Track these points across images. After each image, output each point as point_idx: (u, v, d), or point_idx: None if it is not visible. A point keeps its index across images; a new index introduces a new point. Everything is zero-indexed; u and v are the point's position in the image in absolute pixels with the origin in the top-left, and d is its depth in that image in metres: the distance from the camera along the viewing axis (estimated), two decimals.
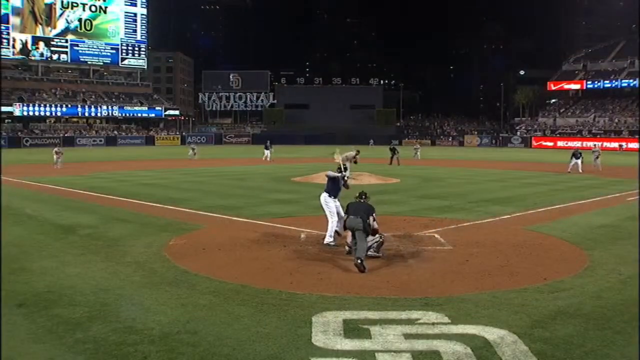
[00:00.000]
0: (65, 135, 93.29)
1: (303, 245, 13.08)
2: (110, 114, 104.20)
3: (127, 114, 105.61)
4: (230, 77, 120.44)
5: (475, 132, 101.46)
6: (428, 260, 11.79)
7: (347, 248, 12.04)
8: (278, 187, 25.55)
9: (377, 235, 11.75)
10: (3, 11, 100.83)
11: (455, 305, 8.92)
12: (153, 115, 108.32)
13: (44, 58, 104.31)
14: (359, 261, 10.98)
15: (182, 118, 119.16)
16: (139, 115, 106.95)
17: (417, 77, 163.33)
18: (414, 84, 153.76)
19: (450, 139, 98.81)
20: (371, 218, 11.52)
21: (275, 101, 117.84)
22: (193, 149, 49.59)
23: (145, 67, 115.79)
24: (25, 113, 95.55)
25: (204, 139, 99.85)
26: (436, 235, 14.21)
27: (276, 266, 11.39)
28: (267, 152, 44.14)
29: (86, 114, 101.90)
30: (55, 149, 40.10)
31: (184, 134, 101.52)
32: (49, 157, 44.19)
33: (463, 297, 9.36)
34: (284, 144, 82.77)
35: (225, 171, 36.46)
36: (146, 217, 17.20)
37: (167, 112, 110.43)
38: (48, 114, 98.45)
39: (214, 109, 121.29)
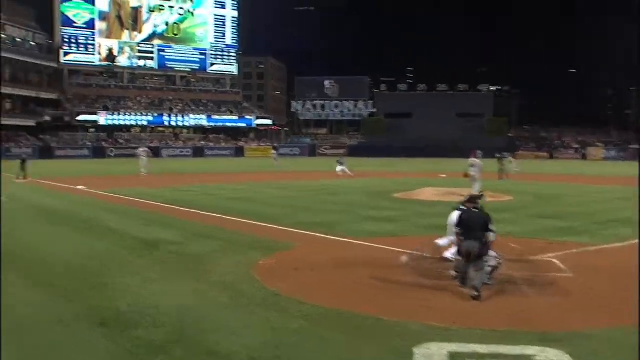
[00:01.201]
0: (151, 145, 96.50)
1: (405, 268, 12.80)
2: (197, 123, 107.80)
3: (216, 124, 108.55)
4: (326, 83, 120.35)
5: (600, 144, 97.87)
6: (545, 289, 11.34)
7: (453, 273, 11.58)
8: (376, 204, 25.24)
9: (492, 257, 11.14)
10: (89, 16, 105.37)
11: (578, 342, 8.48)
12: (243, 124, 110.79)
13: (129, 65, 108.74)
14: (475, 293, 10.63)
15: (274, 128, 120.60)
16: (228, 124, 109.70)
17: (532, 82, 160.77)
18: (528, 89, 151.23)
19: (570, 151, 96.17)
20: (491, 235, 10.92)
21: (374, 110, 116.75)
22: (275, 157, 52.61)
23: (236, 73, 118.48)
24: (110, 122, 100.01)
25: (296, 151, 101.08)
26: (555, 261, 13.71)
27: (374, 290, 11.21)
28: (340, 167, 44.37)
29: (172, 123, 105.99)
30: (141, 149, 42.26)
31: (275, 144, 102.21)
32: (133, 168, 45.63)
33: (587, 333, 8.88)
34: (382, 156, 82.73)
35: (317, 185, 36.66)
36: (234, 234, 17.38)
37: (258, 122, 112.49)
38: (133, 123, 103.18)
39: (307, 118, 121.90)
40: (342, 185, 36.48)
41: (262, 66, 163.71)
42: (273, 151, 53.12)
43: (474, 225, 10.87)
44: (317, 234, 17.29)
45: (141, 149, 40.91)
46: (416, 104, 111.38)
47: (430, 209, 22.63)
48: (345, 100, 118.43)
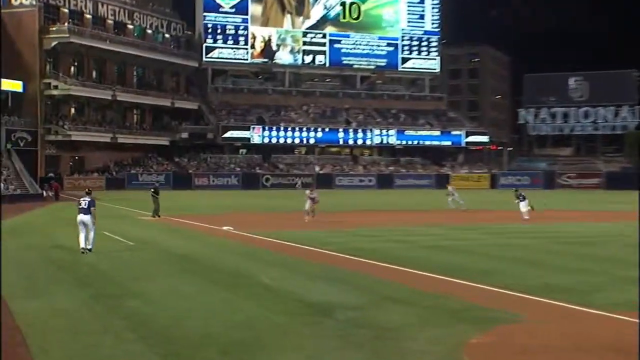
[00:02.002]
0: (321, 172, 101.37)
1: None
2: (384, 141, 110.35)
3: (410, 141, 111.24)
4: (570, 82, 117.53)
5: None
6: None
7: None
8: None
9: None
10: None
11: None
12: (448, 142, 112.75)
13: (292, 62, 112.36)
14: None
15: (493, 147, 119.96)
16: (427, 142, 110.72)
17: None
18: None
19: None
20: None
21: None
22: (452, 195, 52.59)
23: (438, 70, 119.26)
24: (266, 140, 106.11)
25: (525, 180, 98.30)
26: None
27: None
28: (522, 204, 44.01)
29: (350, 142, 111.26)
30: (308, 191, 43.64)
31: (494, 171, 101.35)
32: (297, 204, 47.80)
33: None
34: None
35: (549, 230, 36.64)
36: (433, 298, 17.55)
37: (469, 139, 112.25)
38: (297, 140, 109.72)
39: (542, 133, 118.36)
40: (601, 232, 35.95)
41: (476, 60, 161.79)
42: (450, 187, 53.10)
43: None
44: (554, 302, 16.91)
45: (308, 192, 42.31)
46: None
47: None
48: (601, 105, 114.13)
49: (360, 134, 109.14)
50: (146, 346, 12.60)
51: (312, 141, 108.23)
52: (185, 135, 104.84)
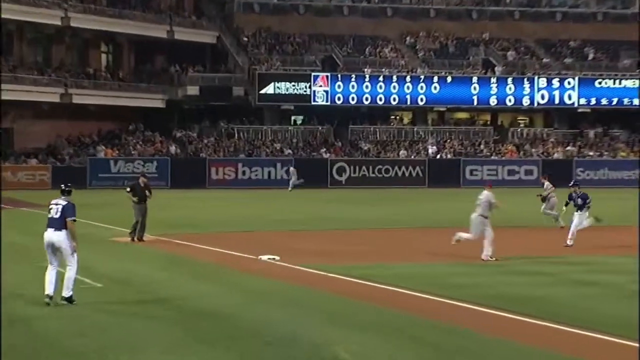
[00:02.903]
0: (438, 156, 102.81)
1: None
2: (557, 101, 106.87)
3: (605, 100, 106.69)
4: None
5: None
6: None
7: None
8: None
9: None
10: None
11: None
12: None
13: None
14: None
15: None
16: (638, 103, 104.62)
17: None
18: None
19: None
20: None
21: None
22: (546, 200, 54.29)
23: None
24: (339, 99, 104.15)
25: None
26: None
27: None
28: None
29: (492, 102, 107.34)
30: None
31: None
32: (410, 210, 57.26)
33: None
34: None
35: None
36: None
37: None
38: (395, 100, 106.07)
39: None
40: None
41: None
42: (546, 183, 55.10)
43: None
44: None
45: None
46: None
47: None
48: None
49: (510, 88, 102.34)
50: None
51: (422, 101, 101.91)
52: (194, 91, 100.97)
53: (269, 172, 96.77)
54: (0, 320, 13.20)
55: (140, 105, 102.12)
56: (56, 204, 23.90)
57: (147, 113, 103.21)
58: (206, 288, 28.97)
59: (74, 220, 23.96)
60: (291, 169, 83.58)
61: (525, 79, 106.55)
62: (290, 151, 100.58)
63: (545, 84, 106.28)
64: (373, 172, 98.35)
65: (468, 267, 34.91)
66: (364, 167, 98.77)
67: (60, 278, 24.27)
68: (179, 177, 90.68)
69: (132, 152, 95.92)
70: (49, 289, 23.80)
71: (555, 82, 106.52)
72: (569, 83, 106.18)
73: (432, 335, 21.67)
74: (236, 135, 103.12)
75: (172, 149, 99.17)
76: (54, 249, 23.67)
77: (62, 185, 25.61)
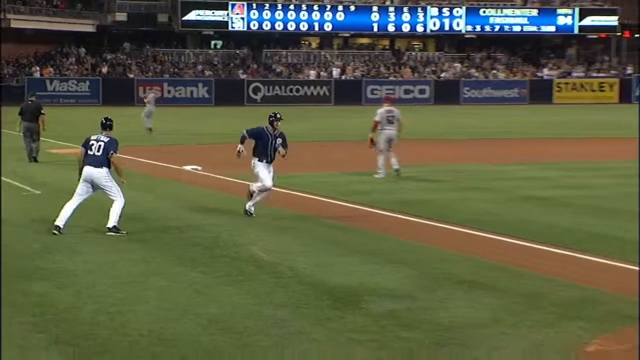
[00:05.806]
0: (343, 77, 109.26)
1: None
2: (446, 27, 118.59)
3: (488, 27, 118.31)
4: None
5: None
6: None
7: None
8: None
9: None
10: None
11: None
12: (551, 28, 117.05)
13: None
14: None
15: (626, 35, 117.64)
16: (518, 29, 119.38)
17: None
18: None
19: None
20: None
21: None
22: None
23: None
24: (254, 25, 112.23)
25: None
26: None
27: None
28: None
29: (390, 28, 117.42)
30: None
31: (629, 73, 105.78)
32: (312, 125, 55.69)
33: None
34: None
35: None
36: (529, 281, 17.99)
37: (584, 21, 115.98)
38: (304, 27, 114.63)
39: None
40: None
41: None
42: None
43: None
44: None
45: None
46: None
47: None
48: None
49: (406, 16, 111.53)
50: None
51: (328, 27, 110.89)
52: (122, 17, 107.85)
53: (192, 91, 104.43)
54: (0, 315, 12.94)
55: (74, 29, 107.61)
56: (97, 140, 22.27)
57: (80, 38, 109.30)
58: (136, 195, 28.08)
59: (115, 154, 22.69)
60: (150, 94, 70.62)
61: (419, 8, 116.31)
62: (210, 72, 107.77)
63: (437, 13, 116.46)
64: (285, 92, 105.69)
65: (369, 177, 36.11)
66: (277, 87, 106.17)
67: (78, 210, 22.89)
68: (110, 96, 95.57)
69: (66, 73, 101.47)
70: (61, 220, 22.14)
71: (446, 11, 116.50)
72: (457, 12, 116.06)
73: (338, 235, 23.52)
74: (161, 58, 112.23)
75: (104, 70, 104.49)
76: (94, 185, 22.38)
77: (103, 119, 23.81)
